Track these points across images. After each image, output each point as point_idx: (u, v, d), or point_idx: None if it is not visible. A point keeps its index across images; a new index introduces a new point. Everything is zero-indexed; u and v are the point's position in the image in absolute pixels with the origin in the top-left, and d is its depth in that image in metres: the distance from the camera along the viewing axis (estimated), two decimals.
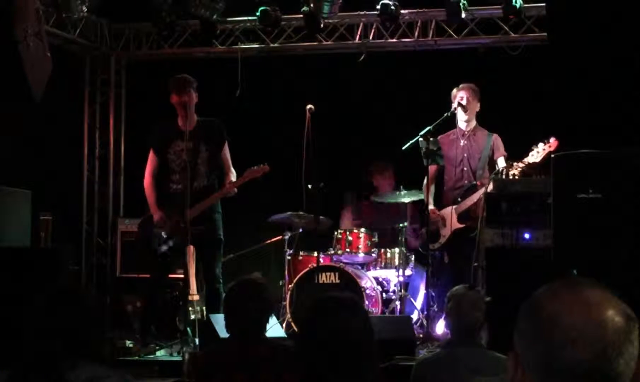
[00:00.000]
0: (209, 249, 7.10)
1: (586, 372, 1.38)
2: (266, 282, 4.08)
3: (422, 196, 7.72)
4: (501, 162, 7.32)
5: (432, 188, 7.65)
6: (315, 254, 7.63)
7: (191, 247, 6.81)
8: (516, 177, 6.68)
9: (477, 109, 7.59)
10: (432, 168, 7.52)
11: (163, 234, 7.05)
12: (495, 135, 7.57)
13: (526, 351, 1.45)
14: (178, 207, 6.93)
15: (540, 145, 6.76)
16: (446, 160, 7.61)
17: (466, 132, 7.59)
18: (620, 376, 1.40)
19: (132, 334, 7.35)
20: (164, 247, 7.09)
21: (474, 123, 7.62)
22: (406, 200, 7.97)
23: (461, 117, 7.54)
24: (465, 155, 7.55)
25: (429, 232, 7.43)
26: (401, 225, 7.92)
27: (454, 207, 7.41)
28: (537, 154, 6.74)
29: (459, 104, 7.47)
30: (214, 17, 8.65)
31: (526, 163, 6.76)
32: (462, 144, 7.57)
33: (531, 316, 1.45)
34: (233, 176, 7.17)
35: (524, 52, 8.47)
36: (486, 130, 7.61)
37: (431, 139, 7.26)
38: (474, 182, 7.40)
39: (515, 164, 6.80)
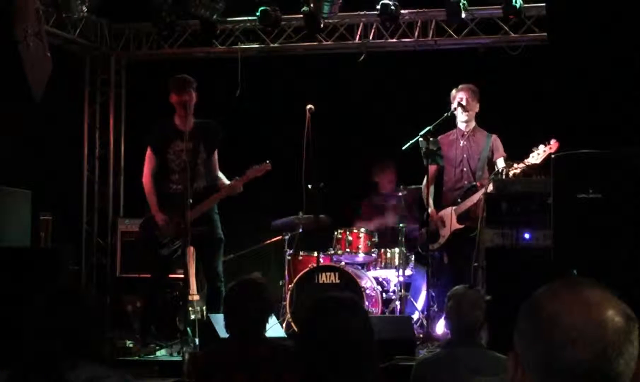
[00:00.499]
0: (210, 249, 7.10)
1: (586, 372, 1.38)
2: (266, 282, 4.07)
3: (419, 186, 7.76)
4: (500, 163, 7.32)
5: (432, 189, 7.65)
6: (315, 254, 7.62)
7: (191, 247, 6.81)
8: (516, 177, 6.68)
9: (477, 109, 7.59)
10: (431, 168, 7.51)
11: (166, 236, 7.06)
12: (494, 136, 7.57)
13: (526, 351, 1.45)
14: (178, 208, 6.92)
15: (541, 146, 6.76)
16: (446, 161, 7.60)
17: (465, 133, 7.59)
18: (620, 376, 1.39)
19: (132, 334, 7.35)
20: (167, 250, 7.08)
21: (473, 124, 7.62)
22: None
23: (461, 118, 7.54)
24: (464, 155, 7.54)
25: (429, 233, 7.43)
26: (401, 225, 7.92)
27: (454, 208, 7.41)
28: (537, 156, 6.74)
29: (459, 104, 7.46)
30: (214, 17, 8.64)
31: (526, 164, 6.76)
32: (461, 144, 7.57)
33: (531, 316, 1.45)
34: (223, 178, 7.19)
35: (524, 52, 8.46)
36: (485, 131, 7.62)
37: (431, 139, 7.25)
38: (474, 183, 7.40)
39: (515, 164, 6.80)
